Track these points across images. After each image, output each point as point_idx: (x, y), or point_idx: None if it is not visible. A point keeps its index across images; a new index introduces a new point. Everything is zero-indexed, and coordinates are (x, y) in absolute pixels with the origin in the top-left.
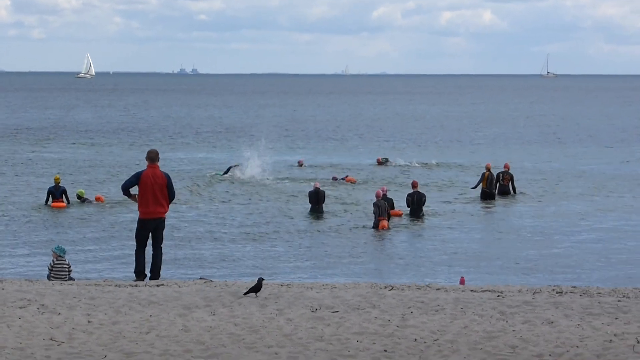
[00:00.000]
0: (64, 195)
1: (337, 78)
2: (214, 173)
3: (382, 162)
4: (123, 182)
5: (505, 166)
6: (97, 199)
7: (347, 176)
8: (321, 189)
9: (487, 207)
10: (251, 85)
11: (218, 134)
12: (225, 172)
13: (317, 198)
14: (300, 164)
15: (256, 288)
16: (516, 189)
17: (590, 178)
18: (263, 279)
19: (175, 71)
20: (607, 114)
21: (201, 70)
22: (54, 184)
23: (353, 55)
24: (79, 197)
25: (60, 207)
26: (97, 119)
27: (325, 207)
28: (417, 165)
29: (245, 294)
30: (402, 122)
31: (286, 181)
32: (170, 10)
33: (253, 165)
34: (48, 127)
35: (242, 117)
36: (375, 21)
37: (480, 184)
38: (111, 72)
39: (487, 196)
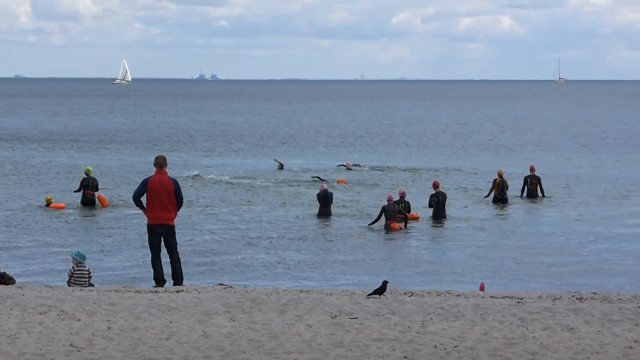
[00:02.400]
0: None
1: (356, 84)
2: (196, 173)
3: (351, 166)
4: (133, 192)
5: (531, 169)
6: (101, 200)
7: (339, 179)
8: (329, 190)
9: (504, 212)
10: (275, 91)
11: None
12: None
13: (325, 200)
14: (280, 167)
15: (380, 290)
16: (544, 192)
17: (611, 183)
18: (387, 282)
19: (195, 77)
20: (624, 118)
21: (220, 76)
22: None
23: (372, 61)
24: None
25: (59, 208)
26: (159, 126)
27: (333, 209)
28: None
29: (369, 295)
30: (438, 127)
31: (292, 184)
32: (190, 17)
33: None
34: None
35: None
36: (395, 27)
37: (493, 191)
38: (131, 78)
39: (499, 202)
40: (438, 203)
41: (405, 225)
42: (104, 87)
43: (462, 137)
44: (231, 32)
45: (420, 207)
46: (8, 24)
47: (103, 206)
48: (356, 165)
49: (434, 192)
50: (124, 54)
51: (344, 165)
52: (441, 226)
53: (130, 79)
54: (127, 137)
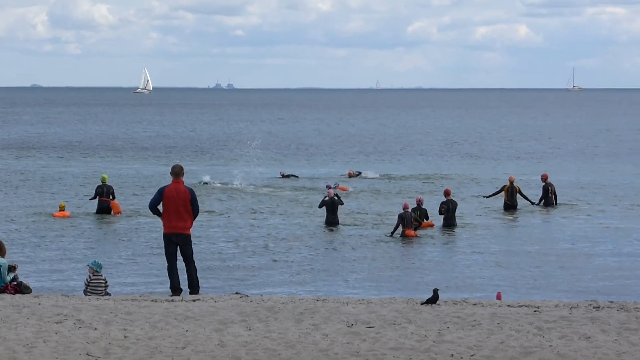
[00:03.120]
0: (111, 195)
1: (372, 92)
2: (205, 181)
3: (353, 175)
4: (149, 201)
5: (544, 177)
6: (114, 206)
7: (338, 184)
8: (336, 197)
9: (516, 219)
10: (294, 99)
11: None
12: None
13: (332, 207)
14: (282, 175)
15: (433, 299)
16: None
17: (628, 191)
18: (438, 289)
19: (211, 86)
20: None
21: (236, 85)
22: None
23: (388, 69)
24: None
25: (64, 216)
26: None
27: (345, 217)
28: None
29: (422, 304)
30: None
31: (302, 191)
32: (207, 26)
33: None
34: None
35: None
36: (411, 36)
37: (502, 195)
38: (151, 88)
39: (509, 208)
40: (448, 211)
41: (415, 229)
42: (126, 96)
43: (479, 145)
44: (247, 41)
45: (434, 215)
46: (25, 33)
47: (114, 213)
48: (358, 173)
49: (444, 199)
50: (140, 63)
51: (346, 175)
52: (454, 234)
53: (151, 88)
54: (163, 144)
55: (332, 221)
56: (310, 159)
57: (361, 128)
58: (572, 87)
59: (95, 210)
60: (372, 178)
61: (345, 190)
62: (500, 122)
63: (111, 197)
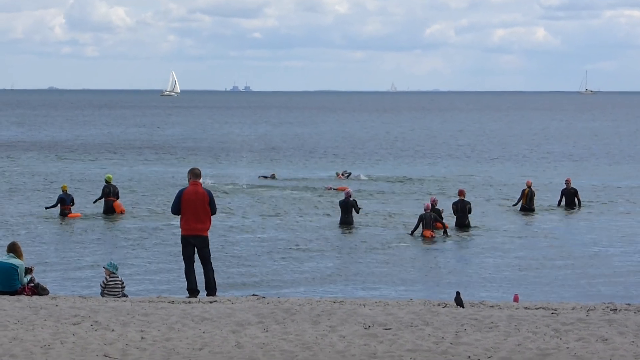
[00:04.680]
0: (72, 203)
1: (389, 95)
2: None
3: (343, 177)
4: (171, 206)
5: (568, 181)
6: (116, 206)
7: (340, 186)
8: (351, 198)
9: (533, 221)
10: (312, 102)
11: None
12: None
13: (346, 207)
14: (272, 177)
15: (458, 302)
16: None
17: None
18: (459, 292)
19: (228, 89)
20: None
21: (253, 88)
22: (62, 192)
23: (405, 72)
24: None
25: (76, 217)
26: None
27: (359, 217)
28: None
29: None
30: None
31: (317, 192)
32: (224, 29)
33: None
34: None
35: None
36: (429, 38)
37: (521, 201)
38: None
39: (526, 211)
40: (457, 211)
41: (445, 232)
42: (156, 98)
43: (500, 147)
44: (264, 43)
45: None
46: (42, 36)
47: (117, 212)
48: (349, 174)
49: (457, 199)
50: (157, 65)
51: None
52: (470, 235)
53: (179, 91)
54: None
55: (345, 221)
56: (321, 161)
57: (377, 130)
58: (584, 90)
59: (102, 211)
60: (363, 180)
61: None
62: (514, 125)
63: (116, 197)
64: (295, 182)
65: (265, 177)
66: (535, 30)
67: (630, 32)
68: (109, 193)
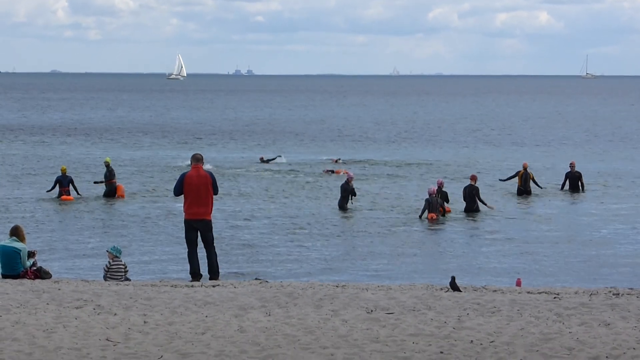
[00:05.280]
0: (71, 185)
1: (392, 79)
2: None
3: (338, 162)
4: (173, 189)
5: (572, 164)
6: (119, 189)
7: (339, 168)
8: (351, 183)
9: (533, 205)
10: (314, 86)
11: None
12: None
13: (346, 191)
14: (261, 160)
15: (453, 286)
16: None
17: None
18: (454, 277)
19: (231, 72)
20: None
21: (256, 72)
22: (61, 174)
23: (408, 56)
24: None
25: (69, 200)
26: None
27: (357, 201)
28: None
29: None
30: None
31: (318, 176)
32: (227, 12)
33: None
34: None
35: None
36: (431, 22)
37: (512, 179)
38: (167, 73)
39: (522, 193)
40: (466, 196)
41: (444, 215)
42: (161, 81)
43: (507, 132)
44: (267, 27)
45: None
46: (45, 19)
47: (118, 195)
48: (338, 160)
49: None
50: (160, 49)
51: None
52: (473, 220)
53: (185, 74)
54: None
55: (342, 205)
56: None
57: (383, 114)
58: (585, 74)
59: (104, 194)
60: (357, 163)
61: (339, 173)
62: (511, 109)
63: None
64: (294, 165)
65: (267, 161)
66: (537, 14)
67: (634, 16)
68: (112, 176)
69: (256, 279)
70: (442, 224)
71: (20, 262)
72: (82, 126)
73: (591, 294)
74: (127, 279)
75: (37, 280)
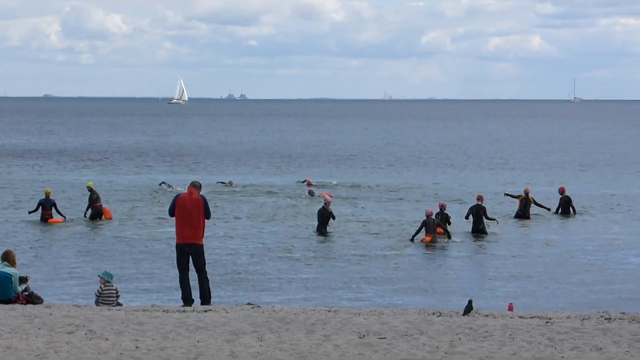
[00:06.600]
0: (54, 208)
1: (384, 104)
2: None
3: (312, 184)
4: (168, 209)
5: (562, 190)
6: (105, 211)
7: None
8: (329, 208)
9: (530, 229)
10: (307, 110)
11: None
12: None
13: (323, 217)
14: (230, 183)
15: (468, 309)
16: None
17: (635, 202)
18: (472, 300)
19: (224, 97)
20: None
21: (249, 96)
22: (45, 197)
23: (401, 80)
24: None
25: (56, 222)
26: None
27: (338, 225)
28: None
29: (463, 314)
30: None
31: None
32: (220, 36)
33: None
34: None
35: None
36: (424, 46)
37: (516, 203)
38: (160, 98)
39: (520, 217)
40: (472, 216)
41: (449, 237)
42: (163, 106)
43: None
44: (261, 51)
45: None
46: (38, 43)
47: (106, 218)
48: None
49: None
50: (153, 73)
51: (307, 184)
52: (464, 242)
53: (187, 99)
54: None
55: (319, 230)
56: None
57: (375, 138)
58: (573, 98)
59: (89, 217)
60: (335, 186)
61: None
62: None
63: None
64: (282, 188)
65: (224, 184)
66: (530, 38)
67: (627, 40)
68: (97, 199)
69: (248, 303)
70: (435, 248)
71: (11, 287)
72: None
73: (583, 318)
74: (119, 304)
75: (29, 306)
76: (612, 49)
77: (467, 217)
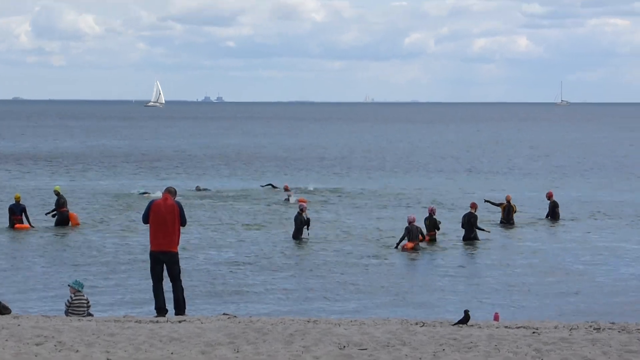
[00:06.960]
0: (23, 214)
1: (366, 106)
2: (142, 191)
3: (289, 189)
4: (142, 216)
5: (549, 195)
6: (72, 217)
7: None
8: (305, 213)
9: (516, 237)
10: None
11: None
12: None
13: (300, 223)
14: (198, 189)
15: (465, 320)
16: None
17: (631, 209)
18: (468, 311)
19: (200, 99)
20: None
21: (227, 99)
22: (14, 202)
23: (384, 82)
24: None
25: (23, 228)
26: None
27: (318, 232)
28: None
29: (454, 325)
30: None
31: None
32: (197, 37)
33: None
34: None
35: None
36: (408, 48)
37: (499, 211)
38: (133, 101)
39: (504, 224)
40: (464, 224)
41: (435, 241)
42: (139, 109)
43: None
44: (239, 53)
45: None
46: (7, 44)
47: (73, 224)
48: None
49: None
50: (127, 74)
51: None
52: (457, 250)
53: (164, 101)
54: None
55: (295, 236)
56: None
57: (358, 141)
58: (560, 101)
59: (55, 223)
60: (312, 191)
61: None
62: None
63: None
64: (264, 193)
65: (200, 190)
66: (516, 39)
67: (616, 41)
68: (64, 204)
69: (224, 314)
70: (418, 255)
71: None
72: (53, 154)
73: (571, 328)
74: (90, 314)
75: None
76: (600, 49)
77: (463, 226)
